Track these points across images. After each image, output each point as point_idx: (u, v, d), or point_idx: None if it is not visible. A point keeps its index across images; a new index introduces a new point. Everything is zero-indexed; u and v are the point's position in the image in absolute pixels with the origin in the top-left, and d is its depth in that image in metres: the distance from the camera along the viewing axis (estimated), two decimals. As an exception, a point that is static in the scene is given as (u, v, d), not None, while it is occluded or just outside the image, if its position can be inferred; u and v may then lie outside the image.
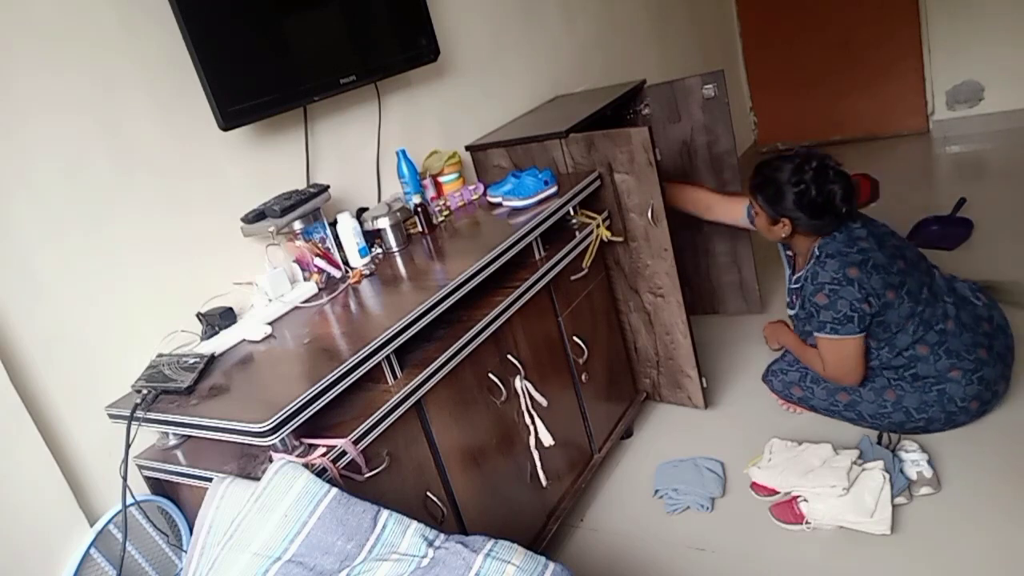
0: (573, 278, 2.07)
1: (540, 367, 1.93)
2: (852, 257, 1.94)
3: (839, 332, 1.96)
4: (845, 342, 1.97)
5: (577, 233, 2.09)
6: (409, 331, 1.49)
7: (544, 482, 1.91)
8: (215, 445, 1.44)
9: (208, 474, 1.37)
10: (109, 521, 1.43)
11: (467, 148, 2.46)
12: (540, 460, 1.90)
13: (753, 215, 2.16)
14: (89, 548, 1.39)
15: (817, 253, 2.01)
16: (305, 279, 1.82)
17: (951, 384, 1.97)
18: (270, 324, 1.65)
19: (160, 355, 1.55)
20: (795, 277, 2.15)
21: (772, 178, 2.02)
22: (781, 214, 2.02)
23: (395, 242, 1.97)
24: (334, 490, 1.21)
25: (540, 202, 2.02)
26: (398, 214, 1.97)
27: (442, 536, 1.21)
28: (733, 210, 2.38)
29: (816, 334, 2.03)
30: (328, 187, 1.82)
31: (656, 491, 2.11)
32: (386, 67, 2.11)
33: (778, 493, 1.96)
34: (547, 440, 1.89)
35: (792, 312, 2.19)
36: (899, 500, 1.84)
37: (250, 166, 1.83)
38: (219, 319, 1.63)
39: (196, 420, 1.34)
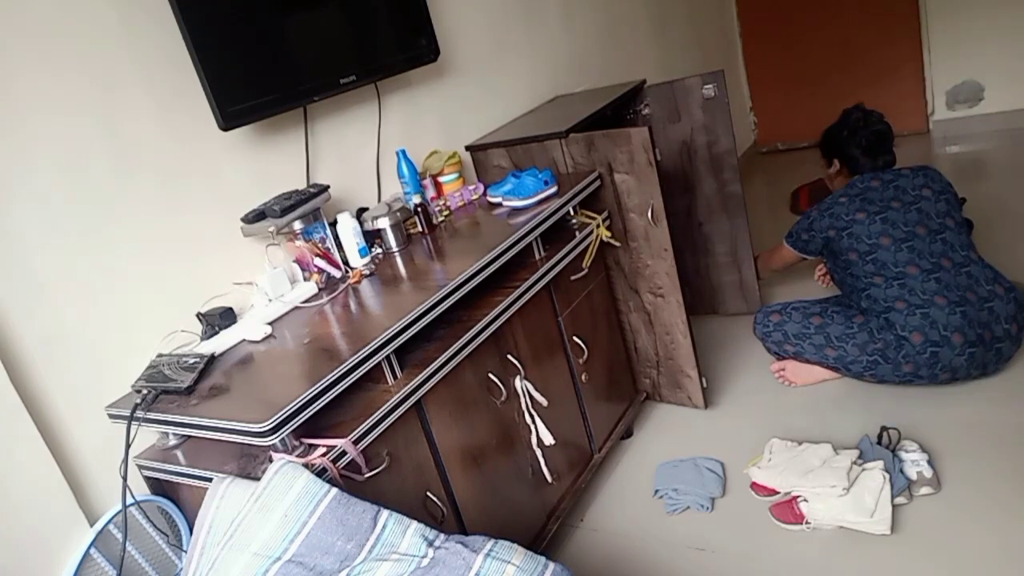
0: (573, 278, 2.07)
1: (540, 367, 1.93)
2: (854, 189, 2.38)
3: (787, 240, 2.61)
4: (783, 249, 2.64)
5: (577, 233, 2.09)
6: (409, 331, 1.50)
7: (549, 478, 1.91)
8: (215, 445, 1.44)
9: (208, 474, 1.37)
10: (109, 521, 1.42)
11: (467, 148, 2.46)
12: (544, 457, 1.90)
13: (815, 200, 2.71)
14: (89, 548, 1.38)
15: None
16: (305, 279, 1.82)
17: (894, 313, 2.16)
18: (270, 324, 1.65)
19: (160, 355, 1.55)
20: None
21: (834, 133, 2.57)
22: (836, 157, 2.59)
23: (395, 242, 1.97)
24: (334, 490, 1.21)
25: (540, 202, 2.02)
26: (398, 214, 1.97)
27: (442, 536, 1.21)
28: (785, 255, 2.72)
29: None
30: (328, 187, 1.82)
31: (656, 491, 2.11)
32: (386, 67, 2.11)
33: (778, 493, 1.96)
34: (548, 439, 1.89)
35: None
36: (899, 500, 1.84)
37: (250, 166, 1.83)
38: (219, 319, 1.63)
39: (196, 420, 1.34)
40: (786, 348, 2.42)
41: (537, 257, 1.95)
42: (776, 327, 2.42)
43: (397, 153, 2.12)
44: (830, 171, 2.63)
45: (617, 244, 2.24)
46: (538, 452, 1.88)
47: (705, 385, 2.39)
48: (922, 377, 2.15)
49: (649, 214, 2.16)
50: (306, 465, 1.25)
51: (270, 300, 1.71)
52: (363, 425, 1.38)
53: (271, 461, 1.25)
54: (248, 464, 1.36)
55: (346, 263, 1.88)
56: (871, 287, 2.24)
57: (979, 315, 2.10)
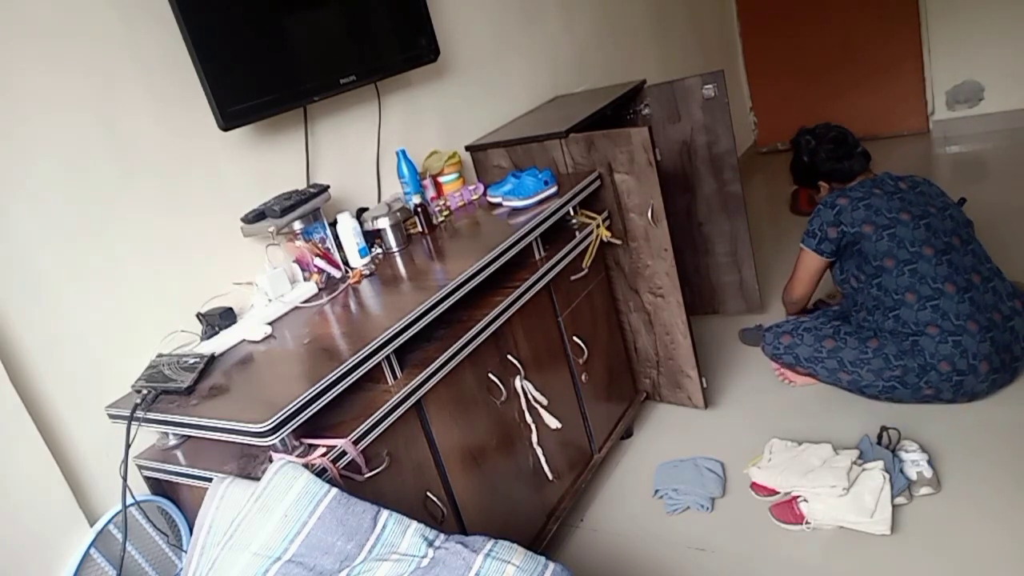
0: (573, 278, 2.07)
1: (540, 367, 1.93)
2: (853, 192, 2.20)
3: (803, 242, 2.28)
4: (805, 253, 2.29)
5: (577, 233, 2.09)
6: (409, 331, 1.50)
7: (550, 476, 1.91)
8: (215, 445, 1.44)
9: (208, 474, 1.37)
10: (109, 521, 1.43)
11: (467, 148, 2.46)
12: (544, 455, 1.90)
13: (815, 202, 2.42)
14: (89, 548, 1.39)
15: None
16: (305, 279, 1.82)
17: (925, 338, 2.05)
18: (270, 324, 1.65)
19: (160, 355, 1.55)
20: None
21: (798, 164, 2.44)
22: (819, 179, 2.37)
23: (395, 242, 1.97)
24: (334, 490, 1.21)
25: (540, 202, 2.02)
26: (398, 214, 1.97)
27: (442, 536, 1.21)
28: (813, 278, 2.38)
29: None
30: (328, 187, 1.82)
31: (656, 491, 2.11)
32: (386, 67, 2.11)
33: (778, 493, 1.96)
34: (553, 423, 1.89)
35: None
36: (899, 500, 1.84)
37: (250, 166, 1.83)
38: (219, 319, 1.63)
39: (196, 420, 1.34)
40: (797, 370, 2.37)
41: (537, 257, 1.95)
42: (787, 350, 2.32)
43: (397, 153, 2.12)
44: (822, 196, 2.38)
45: (618, 242, 2.24)
46: (539, 450, 1.88)
47: (705, 385, 2.39)
48: (941, 400, 2.11)
49: (649, 214, 2.16)
50: (306, 465, 1.25)
51: (270, 300, 1.71)
52: (363, 425, 1.38)
53: (271, 461, 1.25)
54: (248, 464, 1.36)
55: (346, 263, 1.88)
56: (901, 307, 2.08)
57: (1003, 337, 2.05)
